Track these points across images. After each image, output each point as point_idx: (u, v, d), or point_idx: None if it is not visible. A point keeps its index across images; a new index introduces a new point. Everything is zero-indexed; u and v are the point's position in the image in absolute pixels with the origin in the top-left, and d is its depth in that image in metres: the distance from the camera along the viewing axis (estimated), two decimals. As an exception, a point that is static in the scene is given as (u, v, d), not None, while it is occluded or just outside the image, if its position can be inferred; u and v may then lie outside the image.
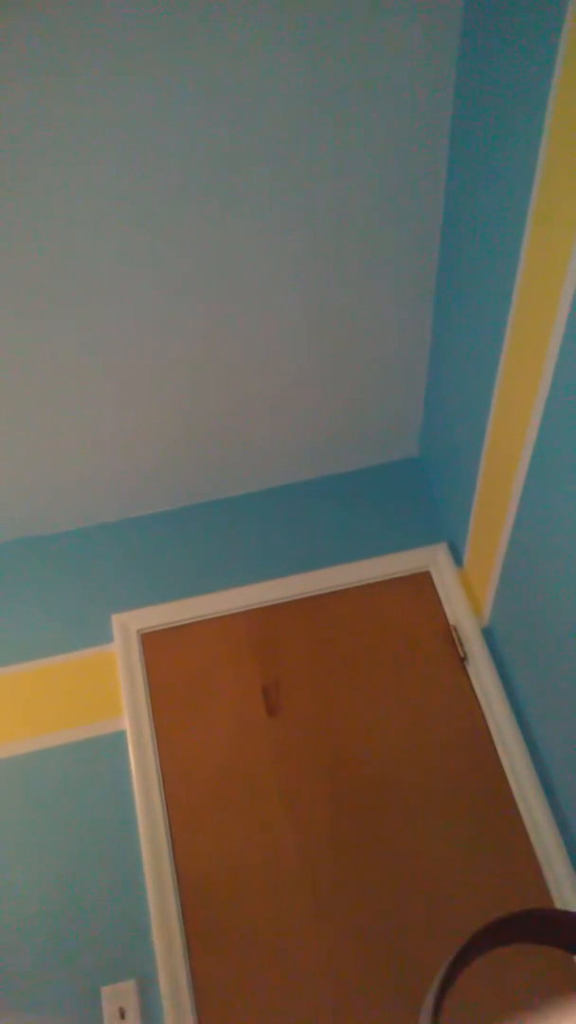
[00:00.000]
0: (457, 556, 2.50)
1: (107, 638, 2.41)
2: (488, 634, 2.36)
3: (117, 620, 2.43)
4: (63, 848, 2.10)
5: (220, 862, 2.10)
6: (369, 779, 2.20)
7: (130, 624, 2.43)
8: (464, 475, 2.28)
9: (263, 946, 2.00)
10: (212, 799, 2.18)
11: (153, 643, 2.42)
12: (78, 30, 1.51)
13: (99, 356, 2.10)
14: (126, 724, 2.26)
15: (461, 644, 2.36)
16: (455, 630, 2.39)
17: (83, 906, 2.03)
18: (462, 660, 2.36)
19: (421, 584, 2.50)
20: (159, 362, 2.17)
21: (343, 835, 2.13)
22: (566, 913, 1.45)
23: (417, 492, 2.68)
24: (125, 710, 2.28)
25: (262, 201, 1.87)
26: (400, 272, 2.12)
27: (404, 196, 1.94)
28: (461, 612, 2.39)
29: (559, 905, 1.98)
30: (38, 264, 1.85)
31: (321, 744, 2.25)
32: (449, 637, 2.40)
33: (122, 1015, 1.90)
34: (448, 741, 2.25)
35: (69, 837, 2.12)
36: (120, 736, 2.25)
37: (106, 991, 1.92)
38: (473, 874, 2.06)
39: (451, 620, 2.42)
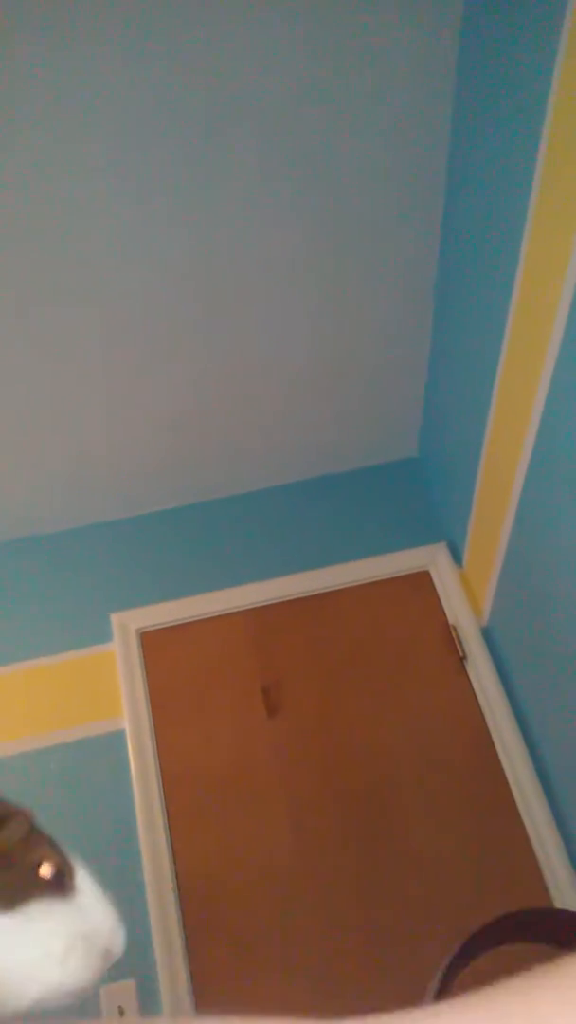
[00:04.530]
0: (456, 556, 2.50)
1: (106, 637, 2.41)
2: (487, 634, 2.36)
3: (116, 619, 2.43)
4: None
5: (220, 862, 2.10)
6: (368, 779, 2.20)
7: (129, 623, 2.43)
8: (463, 475, 2.28)
9: (263, 946, 2.00)
10: (212, 799, 2.18)
11: (152, 642, 2.42)
12: (81, 30, 1.51)
13: (99, 356, 2.10)
14: (125, 724, 2.26)
15: (460, 644, 2.36)
16: (454, 630, 2.39)
17: (82, 906, 2.02)
18: (461, 660, 2.35)
19: (420, 584, 2.50)
20: (159, 362, 2.16)
21: (343, 834, 2.13)
22: (565, 912, 1.45)
23: (416, 492, 2.68)
24: (124, 710, 2.28)
25: (264, 204, 1.86)
26: (400, 272, 2.12)
27: (404, 197, 1.94)
28: (460, 612, 2.39)
29: (559, 905, 1.98)
30: (40, 265, 1.85)
31: (320, 744, 2.25)
32: (448, 637, 2.40)
33: (121, 1014, 1.90)
34: (448, 741, 2.25)
35: (67, 837, 2.11)
36: (119, 736, 2.25)
37: (105, 990, 1.92)
38: (473, 874, 2.06)
39: (450, 620, 2.42)
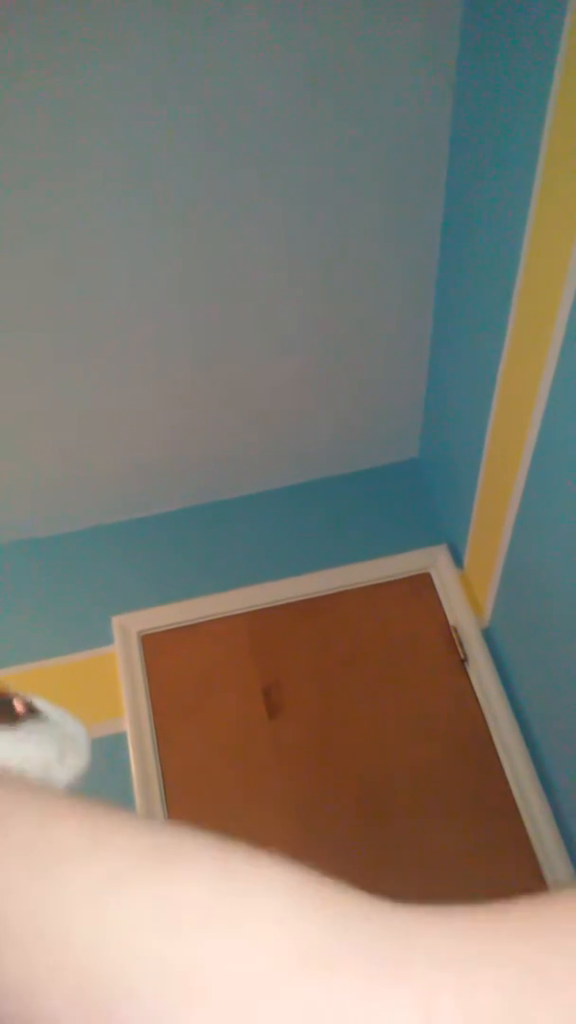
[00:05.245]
0: (457, 558, 2.50)
1: (107, 640, 2.41)
2: (488, 635, 2.36)
3: (117, 622, 2.43)
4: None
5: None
6: (369, 779, 2.20)
7: (130, 626, 2.42)
8: (464, 476, 2.27)
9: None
10: (212, 800, 2.18)
11: (153, 645, 2.42)
12: (79, 28, 1.51)
13: (99, 359, 2.10)
14: (126, 726, 2.26)
15: (461, 645, 2.36)
16: (455, 631, 2.39)
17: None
18: (462, 661, 2.35)
19: (421, 586, 2.50)
20: (160, 365, 2.16)
21: (343, 835, 2.13)
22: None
23: (417, 494, 2.68)
24: (126, 712, 2.28)
25: (262, 204, 1.86)
26: (400, 274, 2.12)
27: (404, 198, 1.94)
28: (461, 613, 2.39)
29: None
30: (38, 266, 1.85)
31: (321, 745, 2.25)
32: (449, 638, 2.40)
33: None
34: (448, 742, 2.25)
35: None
36: (121, 738, 2.25)
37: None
38: (473, 874, 2.07)
39: (451, 621, 2.42)
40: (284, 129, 1.74)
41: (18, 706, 0.52)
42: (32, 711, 0.53)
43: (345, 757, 2.24)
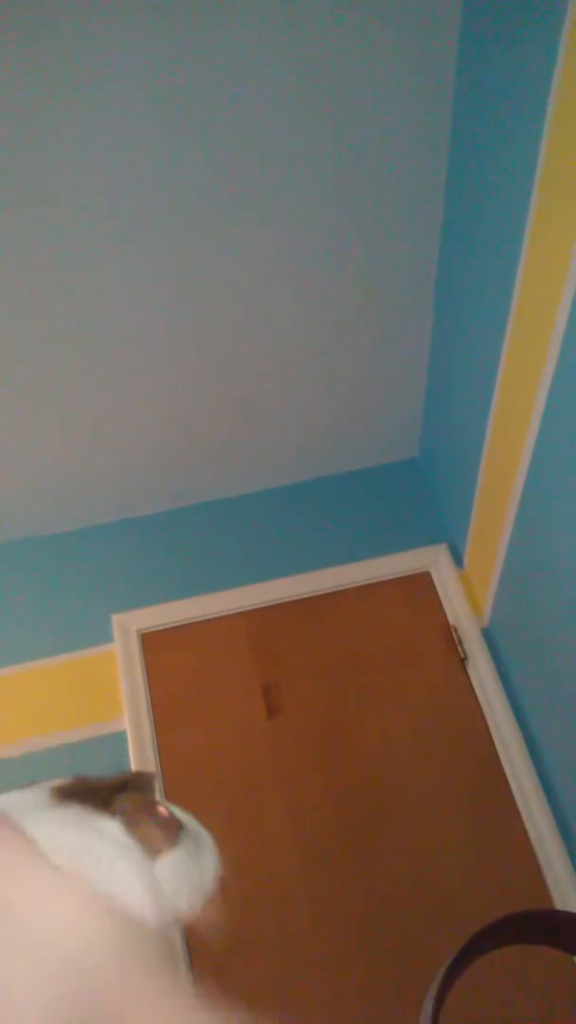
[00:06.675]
0: (457, 557, 2.50)
1: (107, 638, 2.41)
2: (488, 634, 2.36)
3: (117, 620, 2.43)
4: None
5: (220, 863, 2.10)
6: (369, 779, 2.20)
7: (130, 624, 2.43)
8: (464, 476, 2.28)
9: (263, 946, 2.00)
10: (212, 799, 2.18)
11: (153, 643, 2.42)
12: (79, 28, 1.51)
13: (99, 358, 2.10)
14: (126, 724, 2.26)
15: (461, 644, 2.36)
16: (455, 630, 2.39)
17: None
18: (462, 660, 2.35)
19: (421, 585, 2.50)
20: (159, 363, 2.16)
21: (343, 835, 2.13)
22: (566, 914, 1.45)
23: (417, 493, 2.68)
24: (125, 710, 2.28)
25: (263, 204, 1.86)
26: (400, 273, 2.12)
27: (404, 199, 1.94)
28: (461, 612, 2.39)
29: (559, 906, 1.98)
30: (38, 267, 1.85)
31: (321, 744, 2.25)
32: (449, 637, 2.40)
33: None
34: (448, 741, 2.25)
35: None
36: (120, 736, 2.25)
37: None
38: (473, 874, 2.06)
39: (451, 620, 2.42)
40: (285, 131, 1.74)
41: (163, 811, 0.55)
42: (174, 819, 0.56)
43: (344, 756, 2.24)
